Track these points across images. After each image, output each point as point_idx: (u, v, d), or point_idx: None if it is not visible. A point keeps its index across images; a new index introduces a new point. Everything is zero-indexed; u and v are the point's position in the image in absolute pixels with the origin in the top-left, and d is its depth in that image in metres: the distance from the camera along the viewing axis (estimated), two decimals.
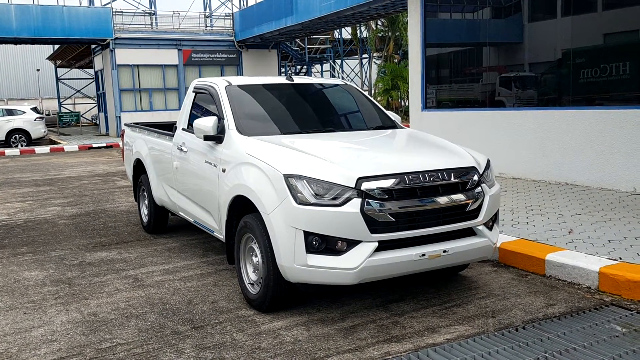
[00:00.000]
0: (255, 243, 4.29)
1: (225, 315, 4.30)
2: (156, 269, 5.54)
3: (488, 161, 4.66)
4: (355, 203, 3.83)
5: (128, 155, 7.68)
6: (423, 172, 4.08)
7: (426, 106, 11.34)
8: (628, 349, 3.55)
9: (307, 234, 3.85)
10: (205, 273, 5.35)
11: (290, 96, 5.61)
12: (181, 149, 5.70)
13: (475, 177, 4.31)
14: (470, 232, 4.31)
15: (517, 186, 8.69)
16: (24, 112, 23.96)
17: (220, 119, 5.06)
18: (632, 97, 7.94)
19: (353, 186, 3.87)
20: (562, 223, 6.18)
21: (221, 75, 26.31)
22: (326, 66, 35.28)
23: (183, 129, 5.83)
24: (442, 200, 4.07)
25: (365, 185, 3.88)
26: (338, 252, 3.88)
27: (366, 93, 6.00)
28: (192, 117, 5.71)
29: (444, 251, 4.08)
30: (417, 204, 3.98)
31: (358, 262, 3.83)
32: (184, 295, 4.75)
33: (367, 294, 4.66)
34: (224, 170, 4.73)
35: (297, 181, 3.92)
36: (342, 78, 36.05)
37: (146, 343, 3.83)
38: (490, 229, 4.47)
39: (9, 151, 20.80)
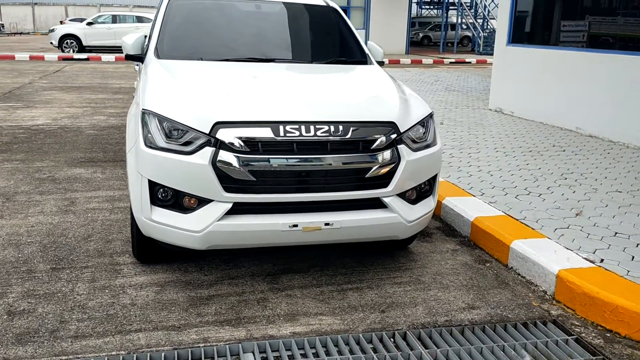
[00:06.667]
0: None
1: (101, 259, 3.88)
2: (105, 194, 5.25)
3: (428, 116, 3.63)
4: (206, 153, 3.12)
5: None
6: (307, 123, 3.22)
7: (512, 40, 9.70)
8: None
9: (152, 184, 3.24)
10: None
11: (246, 16, 4.78)
12: (136, 70, 5.22)
13: (393, 136, 3.35)
14: (379, 204, 3.41)
15: (583, 146, 7.16)
16: None
17: (150, 37, 4.46)
18: None
19: (207, 132, 3.14)
20: (583, 200, 4.89)
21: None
22: None
23: None
24: (328, 160, 3.20)
25: (222, 133, 3.13)
26: (185, 210, 3.23)
27: (349, 20, 4.95)
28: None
29: (327, 224, 3.26)
30: (288, 162, 3.16)
31: (204, 224, 3.16)
32: (90, 229, 4.41)
33: (271, 258, 3.98)
34: (133, 97, 4.19)
35: (151, 119, 3.28)
36: (485, 5, 32.78)
37: None
38: (413, 202, 3.52)
39: None
